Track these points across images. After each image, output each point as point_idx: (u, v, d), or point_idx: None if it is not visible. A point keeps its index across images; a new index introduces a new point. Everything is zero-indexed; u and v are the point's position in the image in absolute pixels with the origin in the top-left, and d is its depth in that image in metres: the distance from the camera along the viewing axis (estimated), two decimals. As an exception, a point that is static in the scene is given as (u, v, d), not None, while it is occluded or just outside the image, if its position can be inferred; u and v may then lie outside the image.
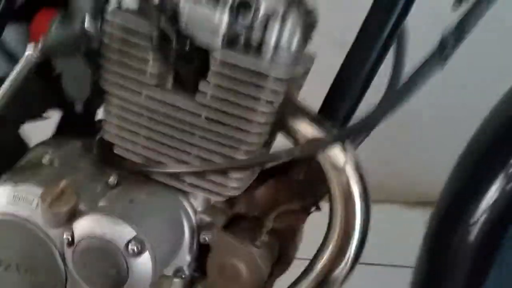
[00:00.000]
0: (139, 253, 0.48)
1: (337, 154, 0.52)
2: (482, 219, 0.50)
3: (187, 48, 0.48)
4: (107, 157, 0.60)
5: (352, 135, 0.52)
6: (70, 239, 0.49)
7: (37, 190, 0.52)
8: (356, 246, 0.54)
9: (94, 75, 0.61)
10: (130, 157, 0.57)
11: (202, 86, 0.51)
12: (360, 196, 0.53)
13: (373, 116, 0.44)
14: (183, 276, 0.59)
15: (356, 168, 0.52)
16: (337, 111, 0.57)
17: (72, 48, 0.50)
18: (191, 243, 0.58)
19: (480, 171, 0.53)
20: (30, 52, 0.50)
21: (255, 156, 0.53)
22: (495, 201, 0.49)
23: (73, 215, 0.51)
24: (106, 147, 0.61)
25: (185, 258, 0.58)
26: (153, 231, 0.51)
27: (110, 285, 0.50)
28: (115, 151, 0.58)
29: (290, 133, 0.54)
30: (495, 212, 0.49)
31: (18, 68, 0.51)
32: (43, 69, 0.67)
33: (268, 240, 0.60)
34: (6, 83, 0.52)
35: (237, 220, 0.63)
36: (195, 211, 0.59)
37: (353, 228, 0.53)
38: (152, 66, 0.52)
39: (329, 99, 0.58)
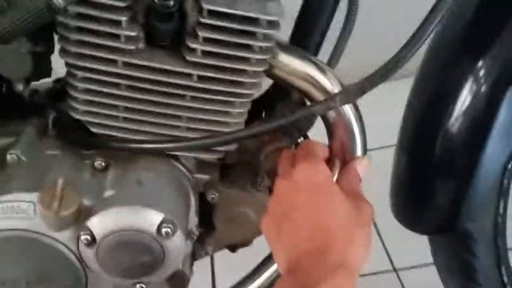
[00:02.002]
0: (173, 233, 0.46)
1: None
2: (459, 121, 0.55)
3: (172, 2, 0.42)
4: (79, 138, 0.53)
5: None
6: (89, 238, 0.45)
7: (28, 196, 0.45)
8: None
9: (36, 48, 0.52)
10: (110, 133, 0.51)
11: (190, 42, 0.46)
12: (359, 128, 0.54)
13: (389, 66, 0.44)
14: (194, 236, 0.58)
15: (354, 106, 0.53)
16: (308, 44, 0.56)
17: (37, 26, 0.40)
18: (196, 205, 0.57)
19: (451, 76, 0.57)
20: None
21: (273, 118, 0.51)
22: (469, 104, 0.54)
23: (80, 213, 0.46)
24: (67, 126, 0.54)
25: (193, 220, 0.57)
26: (174, 207, 0.49)
27: (144, 271, 0.47)
28: (92, 129, 0.51)
29: (289, 82, 0.52)
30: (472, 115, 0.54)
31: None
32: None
33: (266, 181, 0.62)
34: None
35: (226, 169, 0.62)
36: (190, 173, 0.57)
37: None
38: (126, 28, 0.45)
39: (298, 32, 0.57)
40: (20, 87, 0.55)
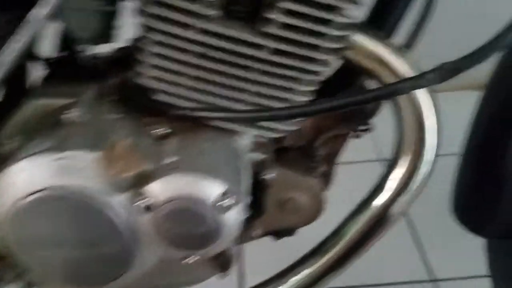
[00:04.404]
0: (234, 206, 0.44)
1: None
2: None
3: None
4: (141, 105, 0.52)
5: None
6: (147, 204, 0.44)
7: (87, 155, 0.44)
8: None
9: (104, 8, 0.51)
10: (174, 101, 0.50)
11: (267, 12, 0.45)
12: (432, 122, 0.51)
13: (486, 48, 0.41)
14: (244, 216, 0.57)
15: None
16: (384, 24, 0.54)
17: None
18: (250, 184, 0.55)
19: None
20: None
21: (352, 94, 0.48)
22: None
23: (140, 177, 0.44)
24: (129, 92, 0.53)
25: (247, 198, 0.55)
26: (235, 180, 0.47)
27: (199, 243, 0.46)
28: (155, 96, 0.50)
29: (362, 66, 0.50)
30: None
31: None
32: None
33: (322, 168, 0.59)
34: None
35: (281, 152, 0.60)
36: (246, 151, 0.55)
37: (421, 156, 0.53)
38: (208, -8, 0.44)
39: (375, 12, 0.54)
40: (84, 48, 0.55)
